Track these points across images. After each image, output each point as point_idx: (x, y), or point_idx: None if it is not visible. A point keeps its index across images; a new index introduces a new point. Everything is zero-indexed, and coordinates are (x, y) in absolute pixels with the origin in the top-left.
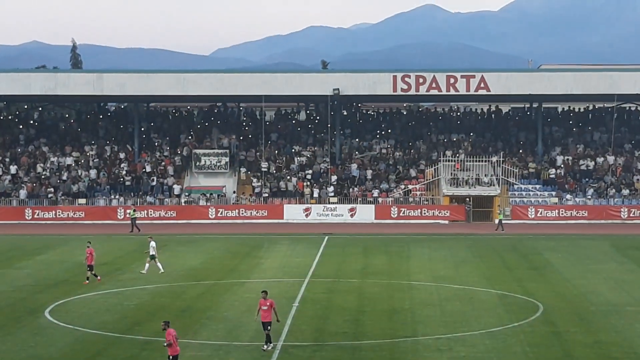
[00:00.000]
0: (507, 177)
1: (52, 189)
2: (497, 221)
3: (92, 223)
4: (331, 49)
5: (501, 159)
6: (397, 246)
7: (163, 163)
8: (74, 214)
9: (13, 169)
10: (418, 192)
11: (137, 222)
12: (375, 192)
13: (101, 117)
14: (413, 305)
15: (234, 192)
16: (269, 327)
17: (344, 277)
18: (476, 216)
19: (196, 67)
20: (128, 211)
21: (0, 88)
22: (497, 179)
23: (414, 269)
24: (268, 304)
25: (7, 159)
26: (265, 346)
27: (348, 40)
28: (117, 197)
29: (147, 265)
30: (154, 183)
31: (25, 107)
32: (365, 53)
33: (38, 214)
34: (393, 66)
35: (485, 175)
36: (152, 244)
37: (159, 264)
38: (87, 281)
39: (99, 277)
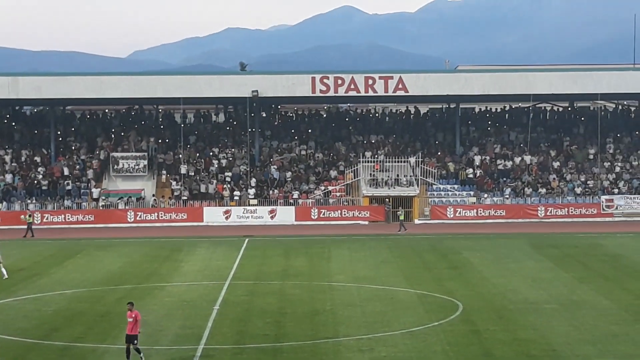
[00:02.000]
0: (426, 178)
1: None
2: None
3: (7, 228)
4: (250, 50)
5: (420, 160)
6: (318, 247)
7: (79, 167)
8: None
9: None
10: (338, 194)
11: (33, 227)
12: (295, 194)
13: (16, 120)
14: (334, 306)
15: (153, 195)
16: (135, 341)
17: (265, 279)
18: (396, 217)
19: (113, 69)
20: (22, 216)
21: None
22: (416, 179)
23: (335, 270)
24: (133, 315)
25: None
26: None
27: (266, 41)
28: (33, 201)
29: (3, 270)
30: (70, 187)
31: None
32: (284, 55)
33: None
34: (312, 68)
35: (405, 175)
36: None
37: (3, 270)
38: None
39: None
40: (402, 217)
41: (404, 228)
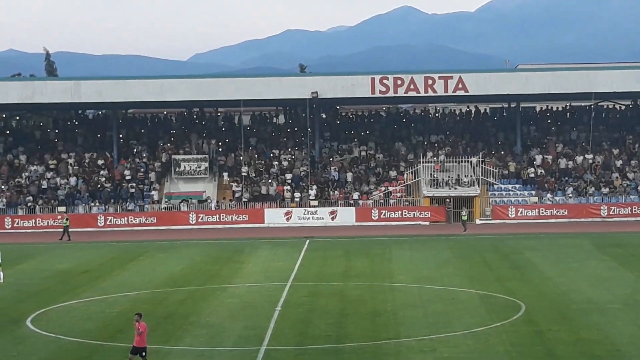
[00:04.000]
0: (487, 177)
1: (31, 198)
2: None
3: (71, 231)
4: (309, 52)
5: (480, 159)
6: (379, 248)
7: (142, 170)
8: (53, 222)
9: None
10: (398, 194)
11: (69, 230)
12: (356, 195)
13: (79, 124)
14: (395, 307)
15: (208, 197)
16: (143, 353)
17: (326, 280)
18: (457, 217)
19: (174, 72)
20: (60, 218)
21: None
22: (477, 179)
23: (396, 271)
24: (139, 327)
25: None
26: None
27: (325, 43)
28: (96, 204)
29: (1, 274)
30: (134, 190)
31: (4, 115)
32: (343, 56)
33: (17, 223)
34: (371, 68)
35: (465, 175)
36: None
37: (0, 274)
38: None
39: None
40: (464, 217)
41: (465, 228)
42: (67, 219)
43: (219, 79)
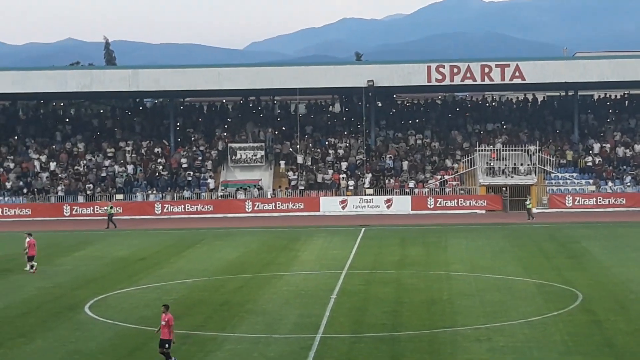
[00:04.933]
0: (544, 166)
1: (89, 185)
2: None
3: (129, 218)
4: (365, 40)
5: (537, 148)
6: (434, 237)
7: (199, 158)
8: (112, 210)
9: (52, 165)
10: (454, 183)
11: (113, 218)
12: (412, 183)
13: (137, 113)
14: (451, 295)
15: (260, 187)
16: (166, 345)
17: (382, 268)
18: (513, 205)
19: (230, 61)
20: (105, 207)
21: (36, 85)
22: (533, 167)
23: (452, 260)
24: (166, 319)
25: (45, 156)
26: None
27: (382, 31)
28: (153, 192)
29: (28, 263)
30: (190, 178)
31: (62, 104)
32: (399, 44)
33: (76, 210)
34: (427, 57)
35: (522, 164)
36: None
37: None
38: (32, 270)
39: (34, 269)
40: (529, 206)
41: (532, 217)
42: (111, 207)
43: (275, 68)
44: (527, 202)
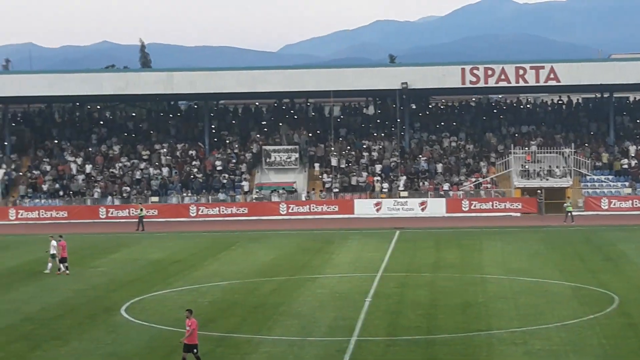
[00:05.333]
0: (579, 168)
1: (125, 188)
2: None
3: (164, 221)
4: (399, 43)
5: (573, 150)
6: (469, 239)
7: (234, 160)
8: (146, 212)
9: (88, 168)
10: (489, 185)
11: (144, 220)
12: (446, 186)
13: (172, 115)
14: (486, 298)
15: (294, 190)
16: (194, 350)
17: (416, 271)
18: (548, 208)
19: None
20: (136, 211)
21: (72, 88)
22: (569, 170)
23: (487, 262)
24: (189, 324)
25: (81, 159)
26: None
27: (415, 33)
28: (188, 194)
29: (49, 264)
30: (225, 180)
31: (97, 107)
32: (433, 46)
33: (111, 213)
34: (461, 59)
35: (557, 166)
36: (53, 243)
37: (58, 264)
38: (59, 271)
39: (67, 271)
40: (569, 208)
41: (572, 219)
42: (141, 209)
43: (309, 70)
44: (567, 205)
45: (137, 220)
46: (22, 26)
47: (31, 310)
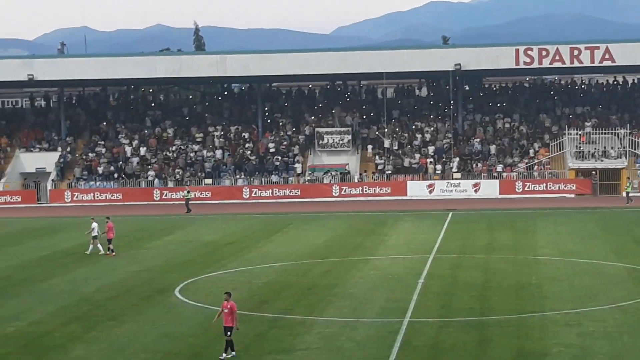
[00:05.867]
0: (635, 149)
1: (179, 170)
2: (624, 194)
3: (218, 203)
4: (452, 24)
5: (628, 131)
6: (523, 221)
7: (285, 142)
8: (200, 194)
9: (142, 150)
10: (543, 166)
11: (190, 202)
12: (499, 167)
13: (225, 98)
14: (540, 280)
15: (347, 172)
16: (228, 333)
17: (469, 252)
18: (603, 189)
19: (317, 46)
20: (183, 193)
21: (126, 71)
22: (624, 151)
23: (540, 244)
24: (229, 306)
25: (136, 141)
26: (223, 354)
27: (468, 14)
28: (241, 176)
29: (90, 246)
30: (278, 162)
31: (151, 90)
32: (487, 27)
33: (166, 195)
34: (515, 40)
35: (612, 147)
36: (94, 225)
37: (99, 245)
38: (109, 252)
39: (113, 252)
40: (629, 189)
41: (630, 200)
42: (188, 192)
43: (362, 52)
44: (627, 186)
45: (184, 202)
46: (77, 10)
47: (87, 291)
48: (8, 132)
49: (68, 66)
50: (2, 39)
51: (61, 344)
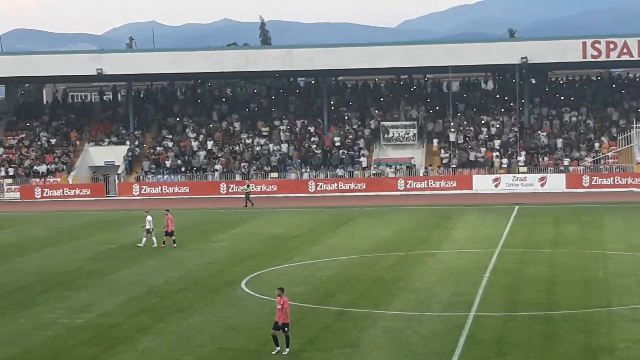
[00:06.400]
0: None
1: (245, 164)
2: None
3: (284, 196)
4: (518, 17)
5: None
6: (589, 215)
7: (350, 136)
8: (266, 188)
9: (209, 144)
10: (610, 160)
11: (250, 196)
12: (566, 161)
13: (291, 92)
14: (607, 275)
15: (412, 165)
16: (286, 329)
17: (535, 247)
18: None
19: (383, 39)
20: (242, 187)
21: (194, 66)
22: None
23: (607, 238)
24: (281, 302)
25: (203, 135)
26: (276, 349)
27: (535, 7)
28: (307, 170)
29: (144, 239)
30: (343, 156)
31: (218, 84)
32: (554, 20)
33: (232, 188)
34: (582, 32)
35: None
36: (149, 218)
37: (153, 238)
38: (164, 245)
39: (174, 244)
40: None
41: None
42: (248, 186)
43: (427, 45)
44: None
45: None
46: (145, 5)
47: (155, 283)
48: (78, 126)
49: (136, 61)
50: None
51: (130, 335)
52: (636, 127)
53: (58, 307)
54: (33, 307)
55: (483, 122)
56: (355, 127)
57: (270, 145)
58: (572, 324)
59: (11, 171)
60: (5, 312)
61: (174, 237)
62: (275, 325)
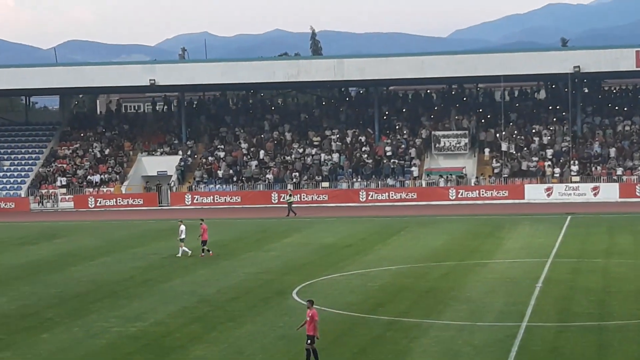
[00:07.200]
0: None
1: (296, 173)
2: None
3: (335, 206)
4: (571, 26)
5: None
6: None
7: (403, 145)
8: (317, 197)
9: (261, 154)
10: None
11: (293, 206)
12: (619, 170)
13: (342, 102)
14: None
15: (463, 175)
16: (308, 341)
17: (588, 257)
18: None
19: (434, 49)
20: (284, 196)
21: (245, 76)
22: None
23: None
24: (310, 314)
25: (254, 145)
26: None
27: (588, 16)
28: (358, 180)
29: (180, 249)
30: (394, 165)
31: (270, 94)
32: (607, 29)
33: (283, 198)
34: (636, 41)
35: None
36: (182, 227)
37: (185, 248)
38: (203, 254)
39: (210, 252)
40: None
41: None
42: (290, 195)
43: (479, 55)
44: None
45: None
46: (197, 16)
47: (207, 292)
48: (131, 137)
49: (189, 71)
50: (125, 45)
51: (182, 345)
52: None
53: (111, 316)
54: (87, 316)
55: (535, 131)
56: (406, 136)
57: (322, 155)
58: (626, 335)
59: (65, 181)
60: (60, 320)
61: (205, 247)
62: (309, 337)
